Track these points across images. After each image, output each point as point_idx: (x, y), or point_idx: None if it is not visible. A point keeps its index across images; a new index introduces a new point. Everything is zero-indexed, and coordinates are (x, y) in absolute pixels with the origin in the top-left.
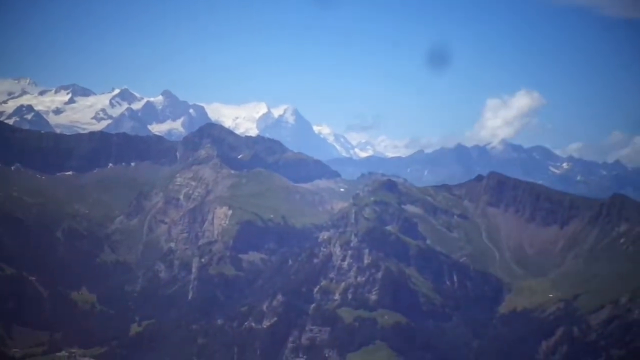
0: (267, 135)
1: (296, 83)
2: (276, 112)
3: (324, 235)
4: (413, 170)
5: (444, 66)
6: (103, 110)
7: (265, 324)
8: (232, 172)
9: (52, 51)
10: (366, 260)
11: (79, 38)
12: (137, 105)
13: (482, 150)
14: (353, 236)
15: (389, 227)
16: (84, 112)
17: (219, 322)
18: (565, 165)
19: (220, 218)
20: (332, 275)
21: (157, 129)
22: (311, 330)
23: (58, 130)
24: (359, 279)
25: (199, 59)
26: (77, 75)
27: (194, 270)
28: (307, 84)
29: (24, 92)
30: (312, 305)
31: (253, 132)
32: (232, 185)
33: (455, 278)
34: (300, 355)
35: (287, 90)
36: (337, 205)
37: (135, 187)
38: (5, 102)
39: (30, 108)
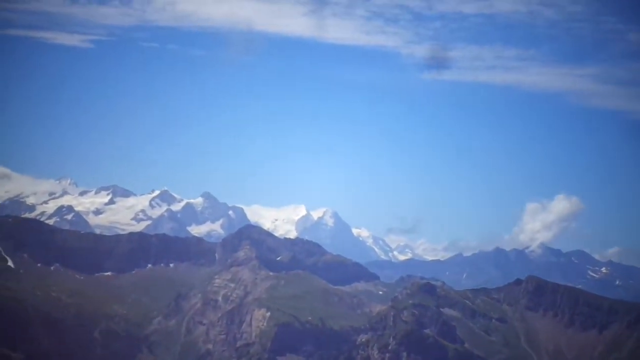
0: (306, 237)
1: (335, 186)
2: (315, 215)
3: (362, 338)
4: (452, 274)
5: (483, 170)
6: (143, 211)
7: None
8: (271, 273)
9: (93, 152)
10: None
11: (119, 139)
12: (176, 207)
13: (520, 254)
14: (391, 339)
15: (427, 331)
16: (123, 213)
17: None
18: (604, 269)
19: (259, 320)
20: None
21: (196, 230)
22: None
23: (98, 231)
24: None
25: (239, 161)
26: (117, 176)
27: None
28: (347, 187)
29: (64, 193)
30: None
31: (292, 234)
32: (270, 287)
33: None
34: None
35: (326, 193)
36: (376, 308)
37: (173, 288)
38: (46, 202)
39: (70, 208)
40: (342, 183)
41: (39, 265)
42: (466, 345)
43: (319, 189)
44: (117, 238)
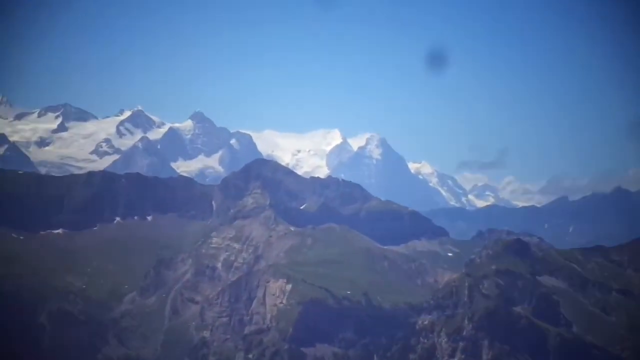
0: (341, 175)
1: (381, 104)
2: (355, 143)
3: (424, 320)
4: (553, 226)
5: (592, 82)
6: (107, 140)
7: None
8: (292, 229)
9: (35, 60)
10: (485, 356)
11: (73, 41)
12: (155, 134)
13: None
14: (466, 321)
15: (517, 308)
16: (79, 144)
17: None
18: None
19: (275, 295)
20: None
21: (184, 167)
22: None
23: (43, 170)
24: None
25: (241, 72)
26: (70, 91)
27: None
28: (399, 106)
29: None
30: None
31: (322, 171)
32: (291, 249)
33: None
34: None
35: (369, 114)
36: (443, 277)
37: (152, 252)
38: None
39: (3, 138)
40: (392, 99)
41: None
42: (574, 328)
43: (357, 108)
44: (71, 180)
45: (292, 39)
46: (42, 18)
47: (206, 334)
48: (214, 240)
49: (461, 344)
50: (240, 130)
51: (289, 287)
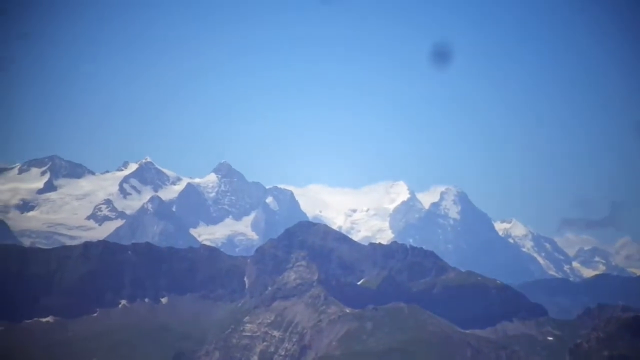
0: (410, 241)
1: (459, 151)
2: (426, 199)
3: None
4: None
5: None
6: (108, 202)
7: None
8: (348, 310)
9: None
10: None
11: (61, 76)
12: (169, 193)
13: None
14: None
15: None
16: (72, 207)
17: None
18: None
19: None
20: None
21: (207, 234)
22: None
23: (27, 242)
24: None
25: (278, 112)
26: (60, 142)
27: None
28: (479, 152)
29: None
30: None
31: (385, 236)
32: (347, 336)
33: None
34: None
35: (443, 163)
36: None
37: (169, 343)
38: None
39: None
40: (471, 144)
41: None
42: None
43: (427, 154)
44: (63, 253)
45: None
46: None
47: None
48: (248, 326)
49: None
50: (279, 186)
51: None
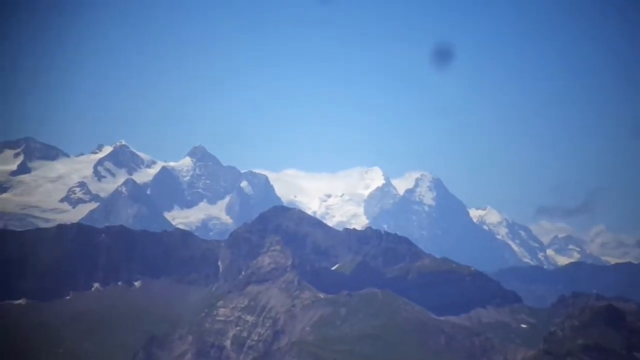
0: (384, 226)
1: (435, 137)
2: (401, 185)
3: None
4: None
5: None
6: (82, 185)
7: None
8: (322, 295)
9: None
10: None
11: (37, 57)
12: (144, 176)
13: None
14: None
15: None
16: (46, 190)
17: None
18: None
19: None
20: None
21: (181, 218)
22: None
23: (0, 224)
24: None
25: (254, 96)
26: (33, 123)
27: None
28: (456, 138)
29: None
30: None
31: (360, 221)
32: (321, 321)
33: None
34: None
35: (418, 149)
36: (516, 356)
37: (142, 327)
38: None
39: None
40: (446, 130)
41: None
42: None
43: (403, 140)
44: (36, 236)
45: (305, 53)
46: None
47: None
48: (221, 311)
49: None
50: (254, 170)
51: None
